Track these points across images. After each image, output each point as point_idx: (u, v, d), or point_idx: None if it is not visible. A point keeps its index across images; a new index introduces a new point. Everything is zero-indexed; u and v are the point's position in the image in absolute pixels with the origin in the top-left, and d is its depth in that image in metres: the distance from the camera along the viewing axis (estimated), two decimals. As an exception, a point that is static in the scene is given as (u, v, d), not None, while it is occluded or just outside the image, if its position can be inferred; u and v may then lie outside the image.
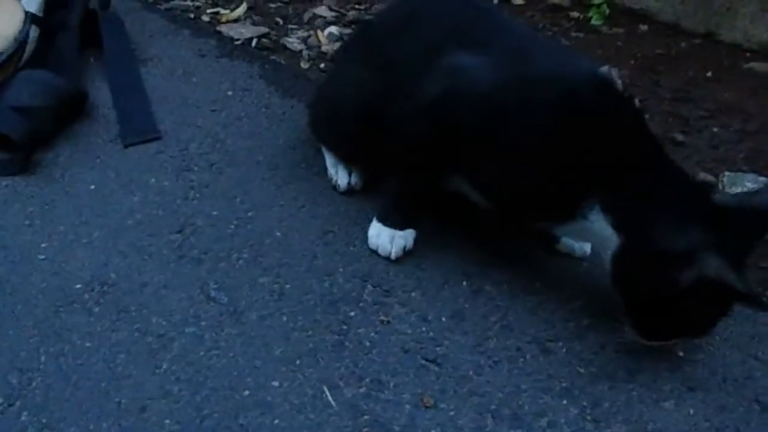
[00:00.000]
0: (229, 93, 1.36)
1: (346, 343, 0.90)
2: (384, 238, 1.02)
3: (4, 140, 1.15)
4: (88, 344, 0.88)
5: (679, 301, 0.82)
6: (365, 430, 0.79)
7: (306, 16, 1.86)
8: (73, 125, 1.24)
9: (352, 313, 0.94)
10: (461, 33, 0.97)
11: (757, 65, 1.65)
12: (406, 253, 1.02)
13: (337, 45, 1.66)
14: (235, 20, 1.84)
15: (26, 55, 1.29)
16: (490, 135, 0.89)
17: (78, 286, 0.95)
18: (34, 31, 1.32)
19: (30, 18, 1.29)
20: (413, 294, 0.97)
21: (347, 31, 1.73)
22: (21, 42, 1.24)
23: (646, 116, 1.03)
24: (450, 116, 0.92)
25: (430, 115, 0.94)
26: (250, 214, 1.08)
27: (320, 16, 1.88)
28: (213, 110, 1.30)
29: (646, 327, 0.88)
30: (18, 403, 0.81)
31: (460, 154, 0.94)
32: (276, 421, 0.80)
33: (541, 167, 0.87)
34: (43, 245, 1.02)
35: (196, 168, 1.16)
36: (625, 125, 0.87)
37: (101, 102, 1.32)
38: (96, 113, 1.28)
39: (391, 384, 0.84)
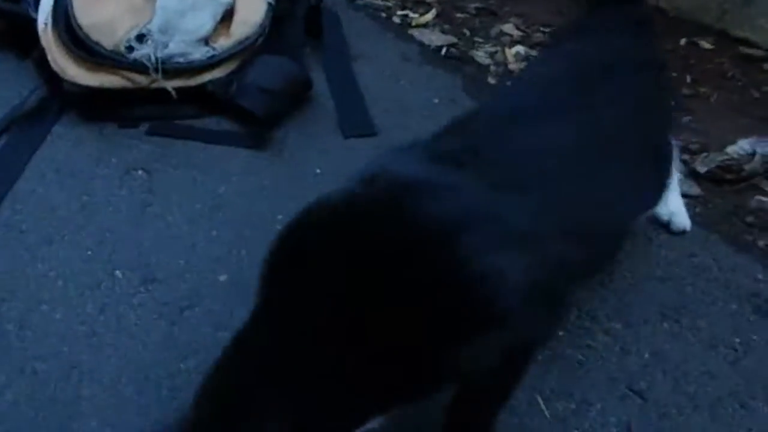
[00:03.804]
0: (435, 101, 1.50)
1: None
2: None
3: (247, 116, 1.34)
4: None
5: None
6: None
7: (493, 32, 1.96)
8: (297, 110, 1.42)
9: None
10: None
11: None
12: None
13: (523, 64, 1.76)
14: (424, 25, 1.98)
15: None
16: None
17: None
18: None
19: (271, 6, 1.46)
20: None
21: (533, 52, 1.82)
22: (264, 28, 1.42)
23: None
24: None
25: None
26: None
27: (507, 34, 1.98)
28: (423, 116, 1.44)
29: None
30: None
31: None
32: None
33: None
34: (278, 216, 1.18)
35: (410, 169, 1.30)
36: None
37: (319, 91, 1.48)
38: (316, 101, 1.45)
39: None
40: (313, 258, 0.70)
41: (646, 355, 1.02)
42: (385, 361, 0.67)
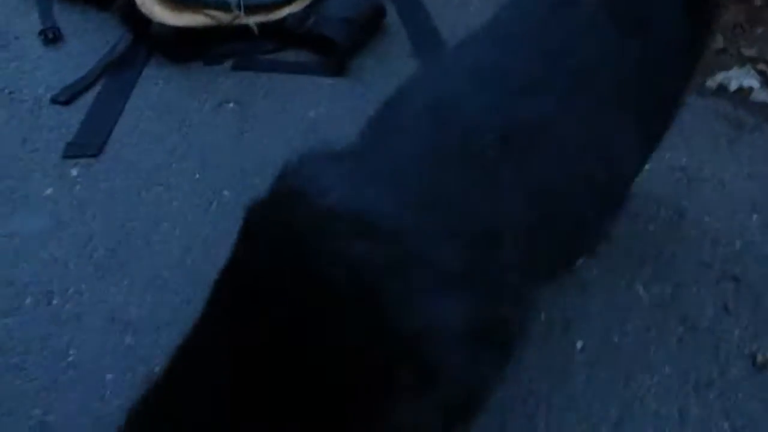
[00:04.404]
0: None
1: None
2: None
3: (326, 46, 1.40)
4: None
5: None
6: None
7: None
8: (373, 38, 1.47)
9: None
10: None
11: None
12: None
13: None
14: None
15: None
16: None
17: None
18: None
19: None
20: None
21: None
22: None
23: None
24: None
25: None
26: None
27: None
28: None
29: None
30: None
31: None
32: (592, 298, 0.97)
33: None
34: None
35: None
36: None
37: (391, 21, 1.52)
38: (389, 29, 1.50)
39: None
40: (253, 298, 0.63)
41: (738, 245, 1.07)
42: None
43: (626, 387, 0.89)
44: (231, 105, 1.36)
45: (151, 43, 1.46)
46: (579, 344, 0.93)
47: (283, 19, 1.43)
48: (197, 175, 1.22)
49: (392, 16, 1.52)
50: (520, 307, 0.69)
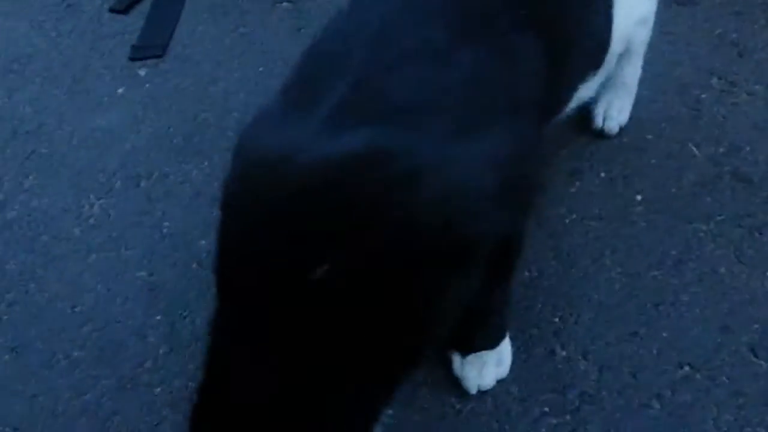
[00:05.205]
0: None
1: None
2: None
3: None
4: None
5: None
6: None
7: None
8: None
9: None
10: None
11: None
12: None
13: None
14: None
15: None
16: None
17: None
18: None
19: None
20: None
21: None
22: None
23: None
24: None
25: None
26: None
27: None
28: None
29: None
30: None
31: None
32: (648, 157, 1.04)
33: None
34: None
35: None
36: None
37: None
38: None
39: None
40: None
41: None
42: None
43: (684, 231, 0.97)
44: (284, 4, 1.42)
45: (199, -50, 1.52)
46: (639, 197, 1.01)
47: None
48: (261, 68, 1.29)
49: None
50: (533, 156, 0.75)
